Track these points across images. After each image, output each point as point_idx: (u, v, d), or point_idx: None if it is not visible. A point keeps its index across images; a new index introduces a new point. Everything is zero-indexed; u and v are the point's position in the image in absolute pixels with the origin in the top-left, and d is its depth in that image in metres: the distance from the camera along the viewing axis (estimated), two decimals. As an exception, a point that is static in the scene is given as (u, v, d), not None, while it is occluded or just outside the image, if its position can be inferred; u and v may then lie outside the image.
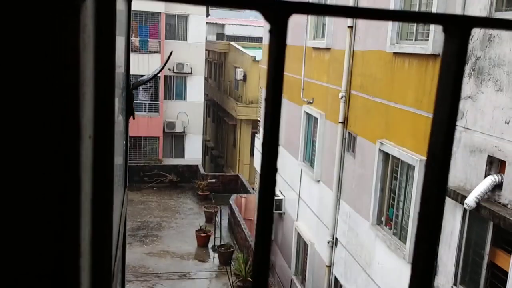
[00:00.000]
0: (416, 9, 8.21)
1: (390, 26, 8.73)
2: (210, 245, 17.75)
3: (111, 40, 0.72)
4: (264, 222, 0.53)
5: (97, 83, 0.68)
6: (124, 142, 1.59)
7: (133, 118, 1.69)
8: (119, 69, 1.45)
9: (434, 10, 7.41)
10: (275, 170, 0.53)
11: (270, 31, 0.50)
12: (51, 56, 0.45)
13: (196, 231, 17.93)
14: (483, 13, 6.41)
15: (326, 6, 0.50)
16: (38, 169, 0.49)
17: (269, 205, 0.54)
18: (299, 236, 13.55)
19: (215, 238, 17.57)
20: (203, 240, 17.70)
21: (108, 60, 0.71)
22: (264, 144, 0.53)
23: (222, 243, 17.21)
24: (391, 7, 8.64)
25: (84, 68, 0.54)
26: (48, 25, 0.46)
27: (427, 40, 7.72)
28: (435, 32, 7.37)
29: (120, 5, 1.31)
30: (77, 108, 0.49)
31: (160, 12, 25.49)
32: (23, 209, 0.50)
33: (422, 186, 0.57)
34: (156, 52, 25.57)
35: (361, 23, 10.09)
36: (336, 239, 11.17)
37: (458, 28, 0.53)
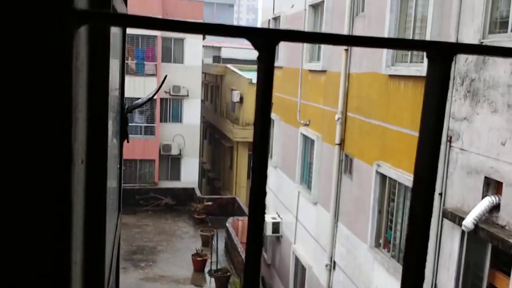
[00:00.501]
0: (411, 32, 8.32)
1: (385, 49, 8.83)
2: (206, 270, 17.56)
3: (104, 66, 0.73)
4: (254, 245, 0.53)
5: (90, 108, 0.69)
6: (118, 166, 1.59)
7: (127, 142, 1.69)
8: (114, 92, 1.46)
9: (428, 32, 7.52)
10: (264, 193, 0.54)
11: (258, 58, 0.52)
12: (43, 83, 0.46)
13: (192, 255, 17.75)
14: (477, 36, 6.49)
15: (312, 33, 0.52)
16: (29, 192, 0.50)
17: (259, 227, 0.54)
18: (296, 259, 13.43)
19: (211, 262, 17.39)
20: (199, 264, 17.51)
21: (101, 86, 0.72)
22: (253, 169, 0.54)
23: (218, 267, 17.04)
24: (386, 30, 8.76)
25: (77, 94, 0.55)
26: (41, 51, 0.47)
27: (422, 62, 7.80)
28: (429, 54, 7.45)
29: (115, 28, 1.33)
30: (69, 134, 0.49)
31: (156, 36, 25.72)
32: (13, 231, 0.51)
33: (409, 207, 0.58)
34: (152, 75, 25.71)
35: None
36: (334, 262, 11.08)
37: (441, 55, 0.54)
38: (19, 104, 0.47)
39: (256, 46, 0.51)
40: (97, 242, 0.75)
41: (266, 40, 0.51)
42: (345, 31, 10.37)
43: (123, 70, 1.67)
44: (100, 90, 0.72)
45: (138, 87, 24.84)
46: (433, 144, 0.54)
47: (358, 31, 10.07)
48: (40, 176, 0.48)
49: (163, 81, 3.04)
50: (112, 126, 1.43)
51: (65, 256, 0.54)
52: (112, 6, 0.85)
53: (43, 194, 0.49)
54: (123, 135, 1.60)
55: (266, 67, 0.52)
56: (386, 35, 8.74)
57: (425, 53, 0.57)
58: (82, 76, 0.60)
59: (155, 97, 25.63)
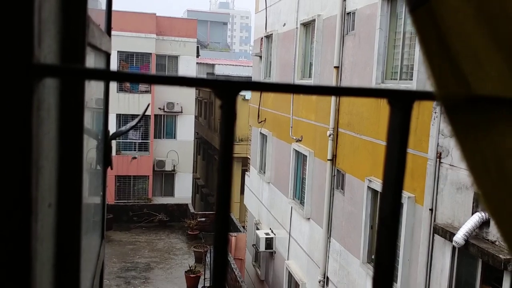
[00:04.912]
0: (400, 50, 8.41)
1: (375, 66, 8.91)
2: (200, 286, 17.42)
3: (78, 108, 0.74)
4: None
5: (62, 151, 0.70)
6: (102, 193, 1.60)
7: (111, 169, 1.70)
8: (98, 121, 1.47)
9: (417, 50, 7.60)
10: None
11: (221, 107, 0.54)
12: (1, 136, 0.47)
13: (186, 272, 17.63)
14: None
15: (269, 84, 0.53)
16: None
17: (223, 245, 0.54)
18: (290, 276, 13.36)
19: (205, 279, 17.27)
20: (192, 281, 17.38)
21: (75, 128, 0.73)
22: (217, 212, 0.55)
23: (212, 284, 16.90)
24: (375, 48, 8.85)
25: (40, 143, 0.56)
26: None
27: (411, 79, 7.88)
28: (419, 71, 7.54)
29: (98, 63, 1.34)
30: (29, 182, 0.50)
31: (151, 53, 25.83)
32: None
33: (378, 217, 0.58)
34: (146, 92, 25.76)
35: (347, 63, 10.29)
36: (327, 278, 11.03)
37: (400, 102, 0.56)
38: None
39: (218, 96, 0.53)
40: (71, 282, 0.75)
41: (227, 90, 0.52)
42: (336, 49, 10.47)
43: (107, 95, 1.68)
44: (73, 132, 0.72)
45: (132, 104, 24.88)
46: (395, 192, 0.55)
47: (349, 49, 10.17)
48: None
49: (146, 109, 3.07)
50: (95, 153, 1.43)
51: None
52: (88, 43, 0.86)
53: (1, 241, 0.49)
54: (107, 162, 1.61)
55: (228, 114, 0.53)
56: (375, 53, 8.84)
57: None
58: (48, 121, 0.60)
59: (149, 113, 25.63)
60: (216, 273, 0.52)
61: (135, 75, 0.50)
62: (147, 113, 25.40)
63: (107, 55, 1.53)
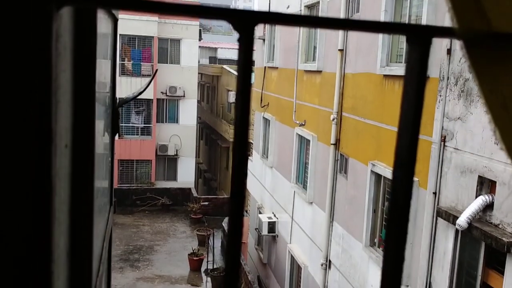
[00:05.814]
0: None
1: (380, 49, 8.85)
2: (203, 269, 17.56)
3: (90, 52, 0.74)
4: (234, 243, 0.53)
5: (76, 93, 0.70)
6: (110, 159, 1.60)
7: (119, 137, 1.70)
8: (104, 85, 1.46)
9: (424, 21, 7.54)
10: (243, 187, 0.54)
11: (239, 40, 0.53)
12: (18, 64, 0.47)
13: (189, 254, 17.76)
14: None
15: (290, 15, 0.52)
16: (5, 170, 0.50)
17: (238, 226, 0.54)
18: (292, 259, 13.45)
19: (208, 261, 17.40)
20: (195, 263, 17.51)
21: (87, 71, 0.73)
22: (234, 149, 0.54)
23: (215, 266, 17.05)
24: (382, 18, 8.77)
25: (58, 77, 0.55)
26: (18, 32, 0.47)
27: (416, 62, 7.82)
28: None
29: (105, 28, 1.33)
30: (49, 113, 0.50)
31: (153, 36, 25.72)
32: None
33: (390, 192, 0.58)
34: (149, 75, 25.70)
35: (351, 46, 10.23)
36: (330, 261, 11.10)
37: (419, 37, 0.55)
38: None
39: (236, 28, 0.52)
40: (84, 224, 0.76)
41: (245, 21, 0.52)
42: (340, 32, 10.39)
43: (114, 66, 1.68)
44: (86, 76, 0.72)
45: (135, 88, 24.82)
46: (412, 133, 0.54)
47: (353, 32, 10.09)
48: (19, 156, 0.49)
49: (154, 74, 3.06)
50: (103, 119, 1.44)
51: (46, 237, 0.54)
52: None
53: (21, 172, 0.50)
54: (115, 129, 1.60)
55: (245, 47, 0.53)
56: (380, 36, 8.78)
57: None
58: (64, 59, 0.60)
59: (151, 97, 25.57)
60: (229, 259, 0.51)
61: (151, 2, 0.50)
62: (150, 97, 25.38)
63: (115, 20, 1.52)
